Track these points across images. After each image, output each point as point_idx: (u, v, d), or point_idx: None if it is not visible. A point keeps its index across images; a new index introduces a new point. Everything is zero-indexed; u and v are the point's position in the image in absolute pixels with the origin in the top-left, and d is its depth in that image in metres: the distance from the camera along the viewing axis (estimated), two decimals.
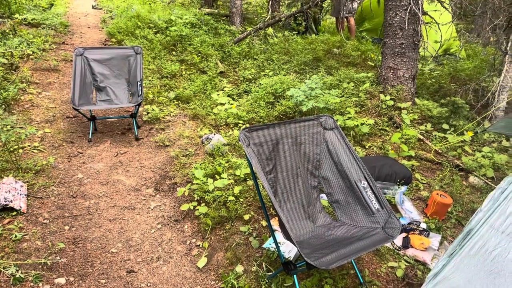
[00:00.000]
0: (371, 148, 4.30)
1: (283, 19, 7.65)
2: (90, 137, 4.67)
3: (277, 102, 5.08)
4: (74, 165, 4.17)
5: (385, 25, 5.28)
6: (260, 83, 5.56)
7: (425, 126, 4.80)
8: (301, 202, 2.66)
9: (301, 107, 4.13)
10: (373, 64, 6.67)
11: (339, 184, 2.70)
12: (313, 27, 9.81)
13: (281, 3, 10.96)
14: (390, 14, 5.15)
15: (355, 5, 9.48)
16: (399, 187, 3.47)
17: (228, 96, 5.92)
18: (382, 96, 5.05)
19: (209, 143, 4.37)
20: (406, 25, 4.97)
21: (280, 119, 4.73)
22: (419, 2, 4.94)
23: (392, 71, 5.25)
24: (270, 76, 6.04)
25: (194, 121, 5.19)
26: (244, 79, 6.47)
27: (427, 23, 5.33)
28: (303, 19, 9.80)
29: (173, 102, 5.77)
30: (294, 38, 8.87)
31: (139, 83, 4.78)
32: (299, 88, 4.26)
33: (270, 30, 8.82)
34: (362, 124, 4.39)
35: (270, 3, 9.33)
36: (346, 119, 4.48)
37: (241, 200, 3.40)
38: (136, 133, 4.79)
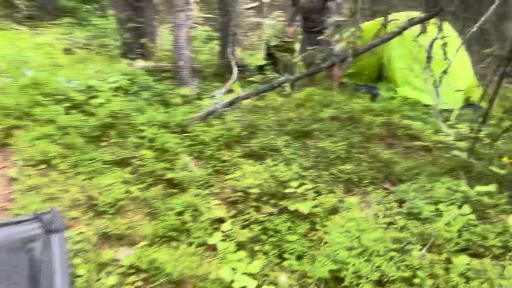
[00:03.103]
0: None
1: (287, 84, 5.00)
2: None
3: None
4: None
5: None
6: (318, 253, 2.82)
7: None
8: None
9: None
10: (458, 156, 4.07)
11: None
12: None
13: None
14: None
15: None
16: None
17: (239, 246, 3.11)
18: None
19: None
20: None
21: None
22: None
23: None
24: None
25: None
26: (245, 194, 3.71)
27: None
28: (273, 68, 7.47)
29: (131, 281, 2.82)
30: (273, 98, 6.38)
31: None
32: None
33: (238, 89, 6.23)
34: None
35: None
36: None
37: None
38: None
